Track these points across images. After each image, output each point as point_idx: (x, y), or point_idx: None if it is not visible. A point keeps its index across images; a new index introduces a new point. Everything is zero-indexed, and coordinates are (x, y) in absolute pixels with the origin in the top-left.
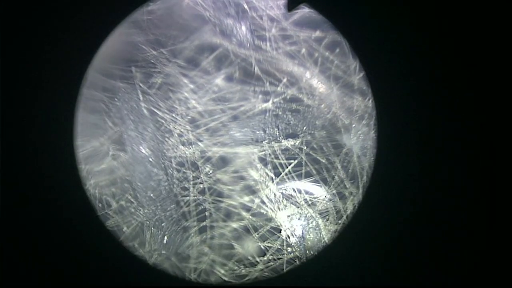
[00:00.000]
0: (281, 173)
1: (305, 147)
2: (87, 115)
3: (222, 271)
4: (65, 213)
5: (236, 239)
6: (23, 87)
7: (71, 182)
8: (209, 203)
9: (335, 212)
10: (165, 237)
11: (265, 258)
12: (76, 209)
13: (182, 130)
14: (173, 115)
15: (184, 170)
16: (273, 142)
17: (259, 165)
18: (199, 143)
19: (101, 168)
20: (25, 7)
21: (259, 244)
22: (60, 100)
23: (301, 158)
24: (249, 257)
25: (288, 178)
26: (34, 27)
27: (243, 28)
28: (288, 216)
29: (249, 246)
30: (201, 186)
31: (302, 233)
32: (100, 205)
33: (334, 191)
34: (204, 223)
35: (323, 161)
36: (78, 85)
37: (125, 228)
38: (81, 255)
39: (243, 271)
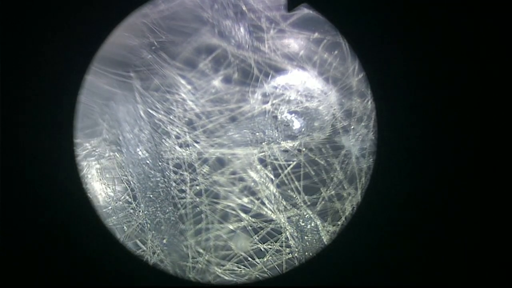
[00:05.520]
0: (280, 175)
1: (304, 149)
2: (85, 116)
3: (220, 271)
4: (65, 212)
5: (231, 238)
6: (23, 89)
7: (71, 181)
8: (205, 205)
9: (333, 213)
10: (164, 240)
11: (265, 259)
12: (76, 208)
13: (179, 131)
14: (171, 117)
15: (181, 172)
16: (272, 144)
17: (259, 166)
18: (197, 145)
19: (99, 168)
20: (26, 10)
21: (253, 242)
22: (59, 100)
23: (300, 159)
24: (243, 254)
25: (287, 180)
26: (34, 29)
27: (242, 29)
28: (288, 217)
29: (242, 244)
30: (198, 188)
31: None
32: (99, 204)
33: (333, 192)
34: (200, 225)
35: (322, 162)
36: (77, 87)
37: (125, 228)
38: (81, 254)
39: (242, 271)
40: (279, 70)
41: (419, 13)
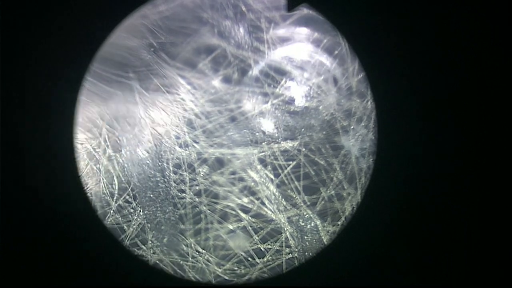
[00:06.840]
0: (280, 175)
1: (303, 149)
2: (85, 116)
3: (220, 271)
4: (65, 212)
5: (230, 237)
6: (23, 89)
7: (71, 181)
8: (205, 206)
9: (333, 213)
10: (164, 240)
11: (265, 259)
12: (76, 208)
13: (179, 132)
14: (170, 117)
15: (181, 172)
16: (272, 144)
17: (259, 167)
18: (196, 145)
19: (99, 168)
20: (26, 10)
21: (253, 242)
22: (59, 100)
23: (300, 159)
24: (243, 254)
25: (287, 180)
26: (34, 29)
27: (241, 29)
28: (288, 217)
29: (240, 243)
30: (197, 188)
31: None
32: (100, 204)
33: (333, 192)
34: (200, 225)
35: (322, 162)
36: (77, 87)
37: (125, 227)
38: (81, 254)
39: (242, 271)
40: (278, 70)
41: (419, 13)
